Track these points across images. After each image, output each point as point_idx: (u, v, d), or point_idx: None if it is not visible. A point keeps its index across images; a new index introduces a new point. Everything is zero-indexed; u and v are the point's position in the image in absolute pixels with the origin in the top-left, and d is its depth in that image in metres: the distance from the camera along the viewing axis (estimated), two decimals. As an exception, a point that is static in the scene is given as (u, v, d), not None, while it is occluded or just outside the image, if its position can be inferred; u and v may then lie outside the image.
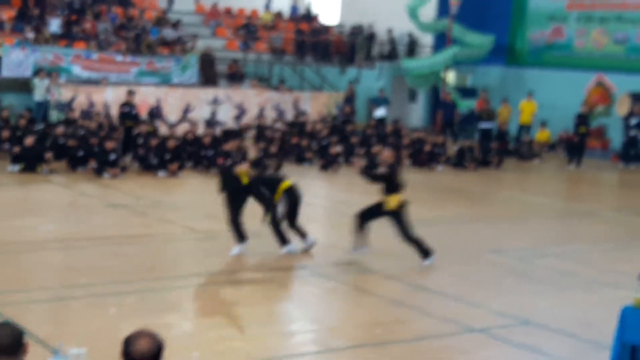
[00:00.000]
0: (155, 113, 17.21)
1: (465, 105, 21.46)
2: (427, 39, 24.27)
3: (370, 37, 24.60)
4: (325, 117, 19.15)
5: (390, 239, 9.46)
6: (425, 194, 13.27)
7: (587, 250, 9.47)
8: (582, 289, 7.73)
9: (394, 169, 8.10)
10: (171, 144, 13.46)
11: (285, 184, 8.36)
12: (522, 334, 6.29)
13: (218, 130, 16.08)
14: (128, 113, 15.09)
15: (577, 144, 17.21)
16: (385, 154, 8.30)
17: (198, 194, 12.02)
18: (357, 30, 24.78)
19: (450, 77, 22.74)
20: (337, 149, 15.43)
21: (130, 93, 15.47)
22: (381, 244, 9.10)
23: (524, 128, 20.08)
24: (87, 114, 16.15)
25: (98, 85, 17.40)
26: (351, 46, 24.31)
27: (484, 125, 18.95)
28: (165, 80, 18.95)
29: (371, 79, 22.56)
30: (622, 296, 6.77)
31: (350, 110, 19.86)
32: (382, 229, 9.92)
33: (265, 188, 8.29)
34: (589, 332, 6.37)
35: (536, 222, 11.09)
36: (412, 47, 24.43)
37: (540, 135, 19.48)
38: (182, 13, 23.58)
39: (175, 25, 21.94)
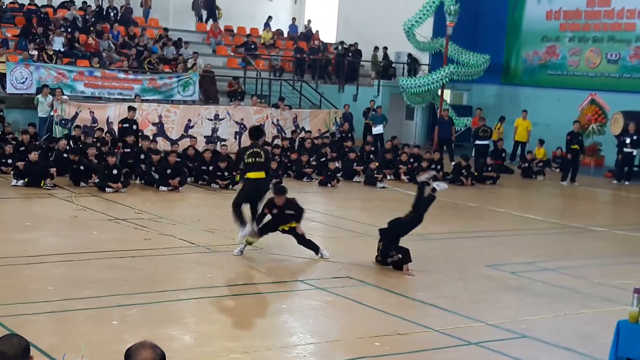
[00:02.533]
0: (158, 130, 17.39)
1: (462, 123, 21.69)
2: (423, 58, 24.56)
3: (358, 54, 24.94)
4: (323, 134, 19.38)
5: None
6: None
7: (582, 265, 9.58)
8: (578, 303, 7.83)
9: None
10: (172, 159, 13.60)
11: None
12: (520, 347, 6.37)
13: (219, 146, 16.23)
14: (128, 129, 15.25)
15: (570, 161, 17.41)
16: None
17: (198, 209, 12.13)
18: (354, 48, 25.05)
19: (447, 95, 23.00)
20: (335, 164, 15.59)
21: (131, 109, 15.63)
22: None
23: (520, 145, 20.30)
24: (89, 130, 16.33)
25: (101, 102, 17.61)
26: (350, 64, 24.56)
27: (480, 142, 19.16)
28: (167, 97, 19.14)
29: (369, 97, 22.78)
30: (618, 310, 6.89)
31: (349, 127, 20.04)
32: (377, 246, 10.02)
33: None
34: (585, 345, 6.45)
35: (532, 238, 11.21)
36: (410, 66, 24.70)
37: (537, 152, 19.70)
38: (183, 31, 23.86)
39: (177, 43, 22.19)
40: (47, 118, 16.54)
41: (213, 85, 20.72)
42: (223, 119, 18.73)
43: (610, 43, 21.31)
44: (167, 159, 13.60)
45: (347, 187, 15.19)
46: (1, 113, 16.39)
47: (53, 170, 12.82)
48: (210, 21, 24.88)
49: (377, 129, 20.56)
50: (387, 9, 24.43)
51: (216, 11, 25.14)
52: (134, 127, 15.49)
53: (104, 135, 15.55)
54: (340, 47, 25.13)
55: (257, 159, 8.78)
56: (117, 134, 15.53)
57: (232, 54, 23.79)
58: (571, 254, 10.36)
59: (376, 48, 24.73)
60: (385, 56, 24.86)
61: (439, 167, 16.58)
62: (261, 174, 8.83)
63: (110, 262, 8.32)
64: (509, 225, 12.05)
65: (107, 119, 16.96)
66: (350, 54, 25.03)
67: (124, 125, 15.40)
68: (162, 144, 17.10)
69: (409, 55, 24.33)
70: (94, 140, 15.04)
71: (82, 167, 13.17)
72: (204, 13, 25.15)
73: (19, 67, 17.44)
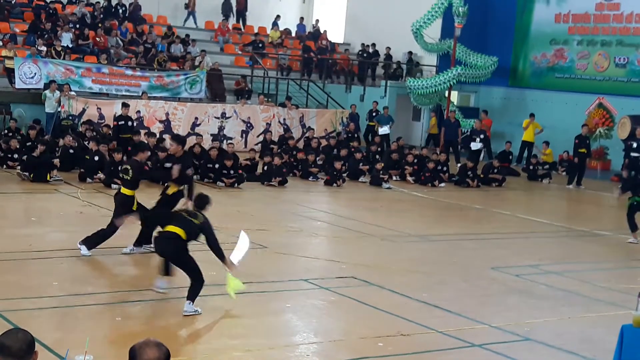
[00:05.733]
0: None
1: (468, 125, 21.65)
2: (431, 59, 24.52)
3: (373, 55, 24.88)
4: (329, 133, 19.40)
5: (391, 255, 9.57)
6: (428, 210, 13.38)
7: (587, 269, 9.56)
8: (582, 306, 7.81)
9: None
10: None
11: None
12: (523, 350, 6.36)
13: (225, 145, 16.28)
14: (124, 125, 15.36)
15: (577, 165, 17.36)
16: (172, 149, 8.84)
17: (203, 207, 12.11)
18: (367, 50, 25.00)
19: (454, 96, 22.95)
20: (341, 164, 15.57)
21: (125, 105, 15.77)
22: (382, 260, 9.21)
23: (527, 147, 20.25)
24: (96, 126, 16.38)
25: (108, 99, 17.66)
26: (362, 65, 24.56)
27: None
28: (174, 95, 19.17)
29: (376, 97, 22.76)
30: (622, 315, 6.87)
31: (355, 127, 20.07)
32: (381, 246, 10.02)
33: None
34: (588, 349, 6.44)
35: (537, 241, 11.17)
36: (417, 67, 24.67)
37: (545, 152, 19.64)
38: (191, 29, 23.91)
39: (184, 40, 22.24)
40: (55, 114, 16.59)
41: (220, 84, 20.76)
42: (230, 117, 18.75)
43: (618, 47, 21.22)
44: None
45: (353, 187, 15.19)
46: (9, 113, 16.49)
47: (56, 161, 12.88)
48: (228, 21, 25.09)
49: (384, 130, 20.55)
50: (396, 9, 24.39)
51: (246, 13, 25.52)
52: (129, 123, 15.60)
53: (109, 131, 15.65)
54: (360, 50, 25.12)
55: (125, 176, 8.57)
56: (112, 131, 15.65)
57: (240, 52, 23.82)
58: (576, 257, 10.33)
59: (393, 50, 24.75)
60: (389, 57, 24.83)
61: (444, 168, 16.56)
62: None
63: (115, 258, 8.34)
64: (514, 227, 12.02)
65: (114, 115, 17.01)
66: (364, 54, 25.01)
67: (120, 123, 15.52)
68: (169, 142, 17.11)
69: (410, 53, 24.25)
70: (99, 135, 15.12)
71: (96, 158, 13.22)
72: (234, 12, 25.40)
73: (27, 62, 17.50)
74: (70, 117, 16.57)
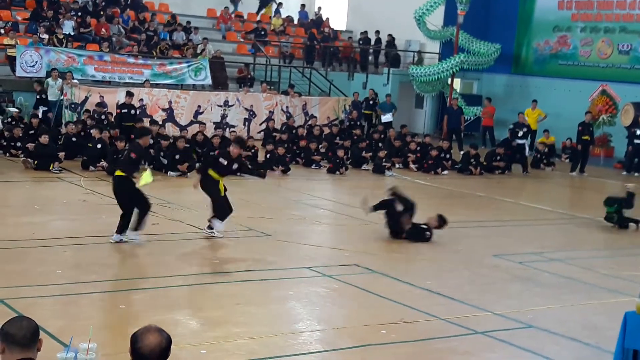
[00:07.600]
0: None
1: (471, 112, 21.61)
2: (434, 47, 24.41)
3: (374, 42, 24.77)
4: (332, 121, 19.36)
5: (394, 242, 9.58)
6: (431, 198, 13.37)
7: (590, 256, 9.56)
8: (585, 294, 7.81)
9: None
10: (181, 144, 13.62)
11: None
12: (526, 337, 6.37)
13: (228, 133, 16.28)
14: (127, 114, 15.37)
15: (580, 152, 17.32)
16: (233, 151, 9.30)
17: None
18: (368, 37, 24.88)
19: (457, 84, 22.87)
20: (344, 151, 15.55)
21: (129, 94, 15.78)
22: (385, 247, 9.22)
23: (530, 135, 20.17)
24: (98, 114, 16.39)
25: (111, 86, 17.63)
26: (362, 53, 24.45)
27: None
28: (179, 82, 19.14)
29: (378, 85, 22.68)
30: (625, 302, 6.87)
31: (357, 115, 20.02)
32: (384, 234, 10.03)
33: None
34: (591, 336, 6.45)
35: (540, 228, 11.17)
36: (420, 54, 24.56)
37: (545, 140, 19.61)
38: (193, 16, 23.80)
39: (187, 28, 22.15)
40: (57, 102, 16.58)
41: (223, 72, 20.69)
42: (232, 105, 18.72)
43: (621, 34, 21.11)
44: (176, 145, 13.62)
45: (356, 175, 15.18)
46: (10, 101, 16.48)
47: (62, 154, 12.92)
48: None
49: (386, 117, 20.50)
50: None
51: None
52: (132, 112, 15.61)
53: (112, 119, 15.66)
54: (361, 37, 24.98)
55: None
56: (114, 119, 15.68)
57: (242, 40, 23.73)
58: (579, 244, 10.33)
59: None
60: (391, 44, 24.71)
61: (447, 155, 16.53)
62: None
63: (118, 246, 8.35)
64: (517, 215, 12.02)
65: (117, 103, 16.99)
66: (360, 42, 24.92)
67: (123, 111, 15.53)
68: (171, 130, 17.13)
69: (389, 35, 24.07)
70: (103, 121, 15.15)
71: (99, 146, 13.24)
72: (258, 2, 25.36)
73: (29, 50, 17.46)
74: (73, 105, 16.57)
